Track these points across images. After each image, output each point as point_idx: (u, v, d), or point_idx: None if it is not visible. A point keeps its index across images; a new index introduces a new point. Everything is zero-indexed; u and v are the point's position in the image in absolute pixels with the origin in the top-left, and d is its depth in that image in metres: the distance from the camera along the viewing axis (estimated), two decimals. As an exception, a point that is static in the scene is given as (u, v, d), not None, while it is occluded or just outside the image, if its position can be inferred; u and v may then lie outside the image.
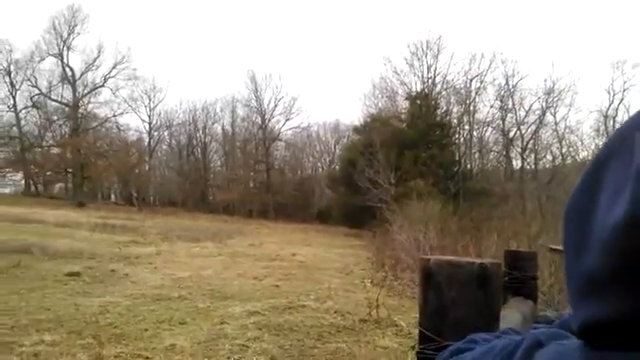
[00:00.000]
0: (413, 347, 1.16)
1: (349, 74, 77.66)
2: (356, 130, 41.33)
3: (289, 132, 53.32)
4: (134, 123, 50.60)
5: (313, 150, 56.18)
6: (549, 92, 37.91)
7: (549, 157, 40.04)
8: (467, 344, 0.75)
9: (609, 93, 38.04)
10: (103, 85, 45.85)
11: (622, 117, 37.48)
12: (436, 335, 1.07)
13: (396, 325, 6.78)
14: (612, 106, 37.80)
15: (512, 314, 1.86)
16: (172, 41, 74.91)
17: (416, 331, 1.16)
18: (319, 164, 56.73)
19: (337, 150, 53.13)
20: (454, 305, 1.06)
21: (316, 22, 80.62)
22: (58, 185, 53.01)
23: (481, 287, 1.07)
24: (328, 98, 74.87)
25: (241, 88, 50.50)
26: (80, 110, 44.94)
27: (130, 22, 74.25)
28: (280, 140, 53.27)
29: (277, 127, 52.51)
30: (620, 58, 37.35)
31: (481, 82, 38.65)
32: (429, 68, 38.38)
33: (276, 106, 51.38)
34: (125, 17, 65.76)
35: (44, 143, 47.13)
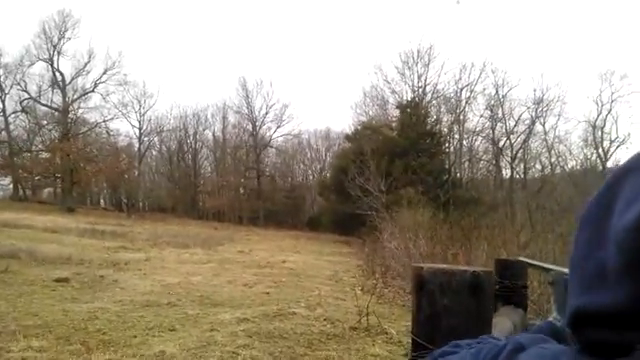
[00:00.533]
0: (406, 354, 1.18)
1: (340, 82, 78.05)
2: (347, 138, 41.50)
3: (280, 139, 53.49)
4: (124, 128, 50.51)
5: (304, 157, 56.31)
6: (538, 102, 38.34)
7: (538, 166, 40.44)
8: (452, 348, 0.77)
9: (597, 104, 38.48)
10: (93, 90, 45.62)
11: (610, 128, 37.89)
12: (428, 343, 1.09)
13: (386, 333, 6.77)
14: (600, 117, 38.21)
15: (503, 322, 1.88)
16: (163, 47, 75.12)
17: (406, 339, 1.18)
18: (310, 171, 56.92)
19: (328, 158, 53.35)
20: (447, 313, 1.08)
21: (307, 29, 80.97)
22: (47, 190, 52.60)
23: (473, 295, 1.09)
24: (319, 105, 75.36)
25: (232, 94, 50.36)
26: (70, 115, 44.63)
27: (121, 27, 74.24)
28: (271, 147, 53.35)
29: (268, 134, 52.68)
30: (608, 69, 37.77)
31: (471, 92, 39.04)
32: (420, 77, 38.75)
33: (267, 113, 51.52)
34: (116, 22, 65.65)
35: (33, 148, 46.75)
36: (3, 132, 44.77)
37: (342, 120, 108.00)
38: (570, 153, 39.38)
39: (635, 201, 0.42)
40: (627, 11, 54.83)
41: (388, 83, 40.42)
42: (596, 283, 0.46)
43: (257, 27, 78.39)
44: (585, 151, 39.03)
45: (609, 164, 37.04)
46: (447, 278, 1.08)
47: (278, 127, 52.14)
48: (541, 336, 0.69)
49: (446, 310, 1.07)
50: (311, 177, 55.99)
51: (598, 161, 38.09)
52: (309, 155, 56.27)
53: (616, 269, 0.43)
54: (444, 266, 1.16)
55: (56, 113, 44.85)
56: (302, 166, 57.08)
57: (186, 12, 78.29)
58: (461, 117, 38.94)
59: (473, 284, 1.08)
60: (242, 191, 52.52)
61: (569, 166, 39.20)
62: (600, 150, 38.14)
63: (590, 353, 0.46)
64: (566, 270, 0.69)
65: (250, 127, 51.65)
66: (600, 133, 38.11)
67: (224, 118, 53.33)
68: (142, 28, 77.52)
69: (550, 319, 1.20)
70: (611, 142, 37.82)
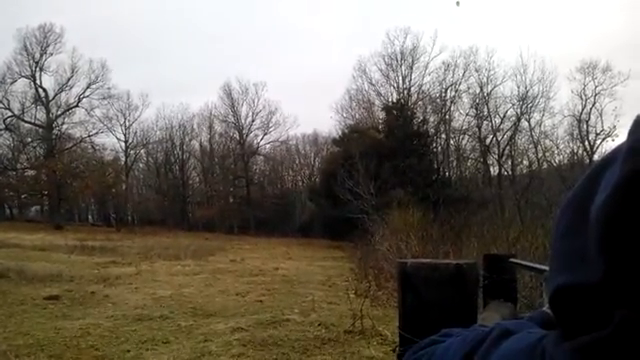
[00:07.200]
0: (394, 349, 1.18)
1: (325, 85, 77.83)
2: (335, 142, 41.61)
3: (268, 146, 53.32)
4: (110, 142, 49.61)
5: (292, 163, 56.24)
6: (523, 98, 38.56)
7: (526, 162, 40.61)
8: (441, 337, 0.77)
9: (581, 98, 38.73)
10: (77, 105, 45.26)
11: (595, 121, 38.21)
12: (415, 336, 1.09)
13: (381, 335, 6.78)
14: (585, 110, 38.49)
15: (492, 316, 1.88)
16: (147, 58, 74.39)
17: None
18: (299, 177, 56.83)
19: (317, 162, 53.30)
20: (432, 306, 1.08)
21: (291, 33, 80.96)
22: (34, 208, 52.10)
23: (458, 287, 1.09)
24: (306, 110, 75.09)
25: (218, 102, 49.96)
26: (54, 131, 44.29)
27: (104, 39, 73.54)
28: (259, 154, 53.18)
29: (255, 141, 52.47)
30: (591, 62, 38.04)
31: (456, 91, 39.29)
32: (404, 79, 39.05)
33: (254, 120, 51.37)
34: (99, 33, 64.94)
35: (18, 166, 46.27)
36: (-13, 151, 44.33)
37: (329, 122, 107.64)
38: (557, 148, 39.59)
39: (611, 184, 0.43)
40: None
41: (373, 86, 40.79)
42: (576, 262, 0.46)
43: (241, 34, 78.30)
44: (572, 145, 39.29)
45: (595, 157, 37.30)
46: (431, 271, 1.09)
47: (265, 134, 52.04)
48: (528, 322, 0.69)
49: (431, 303, 1.07)
50: (300, 183, 55.92)
51: (585, 155, 38.38)
52: (297, 161, 56.23)
53: (593, 247, 0.43)
54: (428, 260, 1.17)
55: (40, 130, 44.45)
56: (291, 172, 57.03)
57: (169, 22, 78.09)
58: (447, 117, 39.17)
59: (457, 276, 1.08)
60: (232, 200, 52.30)
61: (556, 161, 39.45)
62: (586, 144, 38.43)
63: (571, 331, 0.47)
64: None
65: (237, 135, 51.48)
66: (586, 127, 38.42)
67: (210, 127, 53.17)
68: (125, 40, 76.91)
69: (544, 309, 1.21)
70: (597, 135, 38.10)
